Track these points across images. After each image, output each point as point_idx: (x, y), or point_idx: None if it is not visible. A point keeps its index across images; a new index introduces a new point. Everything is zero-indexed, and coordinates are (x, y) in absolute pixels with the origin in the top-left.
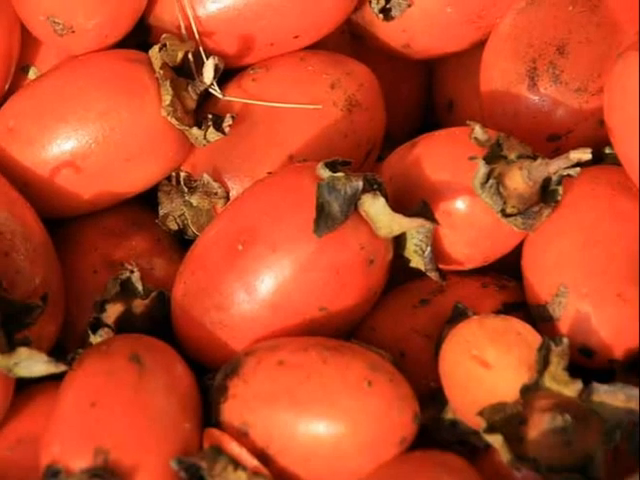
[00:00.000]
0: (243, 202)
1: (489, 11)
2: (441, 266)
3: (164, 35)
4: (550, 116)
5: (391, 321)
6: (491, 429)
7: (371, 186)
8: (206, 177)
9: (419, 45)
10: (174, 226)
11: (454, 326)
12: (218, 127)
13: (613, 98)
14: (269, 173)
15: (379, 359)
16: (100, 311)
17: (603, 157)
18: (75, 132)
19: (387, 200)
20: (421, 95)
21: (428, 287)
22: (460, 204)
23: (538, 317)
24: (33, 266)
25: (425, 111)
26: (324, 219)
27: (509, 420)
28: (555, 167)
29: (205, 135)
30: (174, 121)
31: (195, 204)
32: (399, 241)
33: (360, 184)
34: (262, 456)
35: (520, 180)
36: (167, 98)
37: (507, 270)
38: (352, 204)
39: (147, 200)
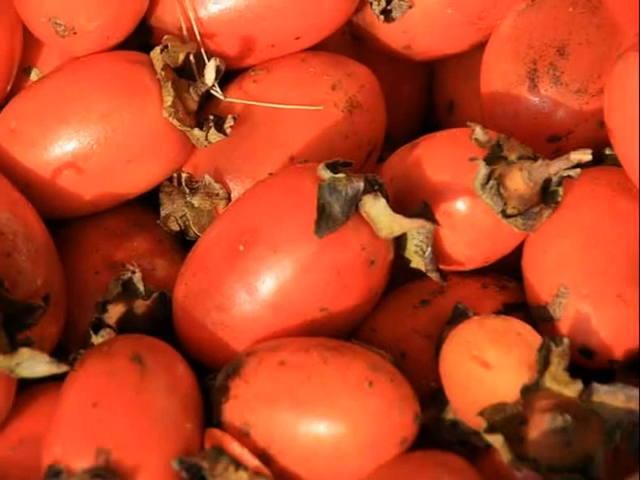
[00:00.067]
0: (244, 203)
1: (489, 12)
2: (441, 267)
3: (166, 36)
4: (550, 117)
5: (392, 321)
6: (491, 429)
7: (372, 187)
8: (207, 178)
9: (420, 46)
10: (175, 227)
11: (454, 326)
12: (219, 128)
13: (613, 99)
14: (270, 174)
15: (380, 359)
16: (102, 312)
17: (603, 158)
18: (77, 133)
19: (388, 201)
20: (422, 96)
21: (429, 288)
22: (461, 205)
23: (538, 317)
24: (35, 267)
25: (426, 112)
26: (325, 220)
27: (509, 420)
28: (555, 168)
29: (206, 136)
30: (175, 122)
31: (196, 205)
32: (400, 242)
33: (361, 185)
34: (263, 456)
35: (520, 181)
36: (168, 99)
37: (507, 271)
38: (353, 205)
39: (149, 201)
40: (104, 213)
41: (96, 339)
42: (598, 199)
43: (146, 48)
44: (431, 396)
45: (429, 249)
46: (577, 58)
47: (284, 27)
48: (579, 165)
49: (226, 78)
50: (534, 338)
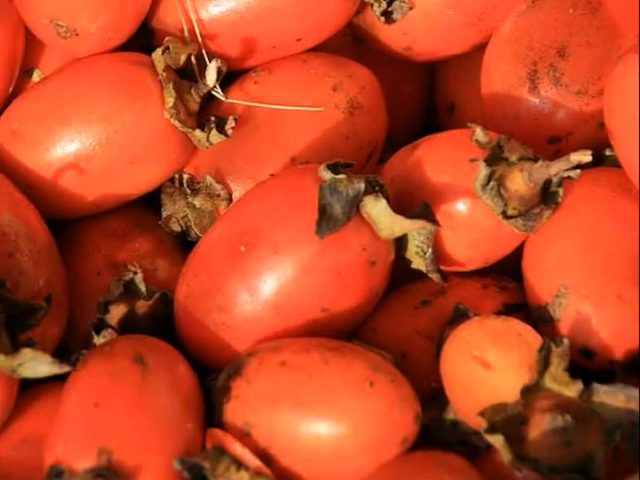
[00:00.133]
0: (246, 204)
1: (490, 14)
2: (442, 267)
3: (167, 38)
4: (551, 118)
5: (392, 322)
6: (492, 429)
7: (373, 188)
8: (209, 179)
9: (420, 48)
10: (177, 228)
11: (455, 327)
12: (221, 129)
13: (613, 100)
14: (271, 175)
15: (380, 360)
16: (103, 312)
17: (603, 159)
18: (79, 134)
19: (389, 202)
20: (422, 97)
21: (429, 288)
22: (461, 206)
23: (539, 318)
24: (37, 267)
25: (426, 113)
26: (326, 221)
27: (510, 420)
28: (556, 169)
29: (208, 137)
30: (177, 123)
31: (198, 206)
32: (400, 242)
33: (362, 186)
34: (264, 456)
35: (521, 182)
36: (170, 100)
37: (508, 271)
38: (354, 206)
39: (150, 202)
40: (106, 214)
41: (98, 339)
42: (598, 200)
43: (148, 49)
44: (432, 396)
45: (430, 250)
46: (577, 59)
47: (285, 28)
48: (579, 166)
49: (227, 79)
50: (534, 338)
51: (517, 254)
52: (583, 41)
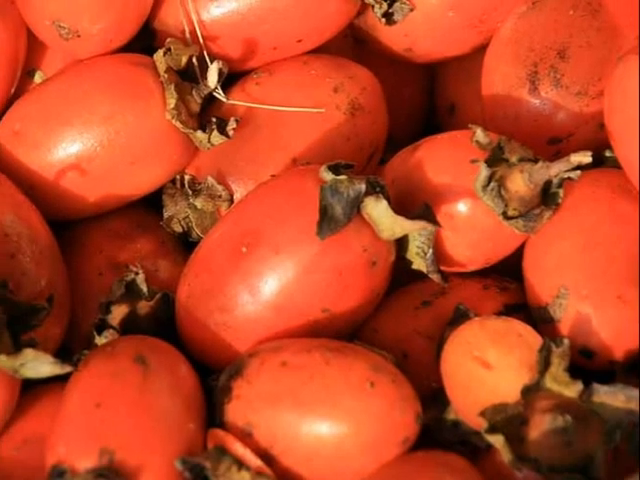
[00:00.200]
0: (247, 205)
1: (490, 15)
2: (443, 268)
3: (169, 39)
4: (551, 119)
5: (393, 322)
6: (492, 429)
7: (374, 189)
8: (210, 180)
9: (421, 49)
10: (178, 228)
11: (456, 327)
12: (222, 130)
13: (613, 101)
14: (272, 176)
15: (381, 360)
16: (105, 313)
17: (603, 160)
18: (80, 135)
19: (389, 203)
20: (423, 99)
21: (430, 289)
22: (462, 207)
23: (539, 318)
24: (39, 268)
25: (427, 114)
26: (327, 221)
27: (510, 420)
28: (556, 170)
29: (209, 138)
30: (178, 124)
31: (199, 207)
32: (401, 243)
33: (363, 187)
34: (266, 456)
35: (521, 183)
36: (171, 102)
37: (508, 272)
38: (355, 207)
39: (152, 203)
40: (108, 215)
41: (99, 340)
42: (598, 201)
43: (149, 51)
44: (432, 396)
45: (430, 250)
46: (577, 61)
47: (286, 30)
48: (579, 167)
49: (229, 81)
50: (535, 339)
51: (517, 255)
52: (583, 42)
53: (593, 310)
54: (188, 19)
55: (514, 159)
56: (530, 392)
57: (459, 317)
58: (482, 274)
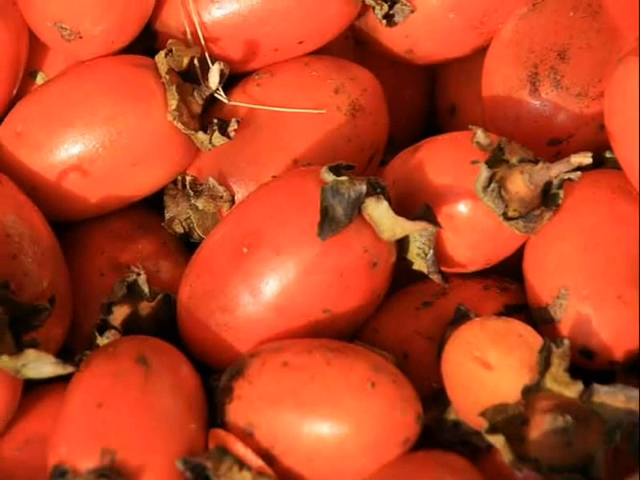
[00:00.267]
0: (248, 206)
1: (491, 17)
2: (443, 269)
3: (170, 41)
4: (551, 121)
5: (394, 323)
6: (493, 430)
7: (374, 190)
8: (211, 181)
9: (422, 50)
10: (180, 229)
11: (456, 328)
12: (223, 131)
13: (613, 103)
14: (274, 177)
15: (382, 360)
16: (107, 313)
17: (603, 161)
18: (82, 136)
19: (390, 204)
20: (424, 100)
21: (431, 289)
22: (462, 207)
23: (539, 319)
24: (41, 269)
25: (428, 116)
26: (328, 222)
27: (511, 421)
28: (556, 171)
29: (210, 139)
30: (180, 125)
31: (201, 207)
32: (402, 244)
33: (364, 188)
34: (267, 456)
35: (522, 184)
36: (173, 103)
37: (509, 273)
38: (356, 207)
39: (153, 204)
40: (109, 216)
41: (101, 340)
42: (598, 202)
43: (151, 52)
44: (433, 397)
45: (431, 251)
46: (578, 62)
47: (287, 31)
48: (579, 168)
49: (230, 82)
50: (535, 339)
51: (518, 255)
52: (584, 44)
53: (593, 311)
54: (189, 21)
55: (514, 160)
56: (530, 392)
57: (460, 318)
58: (482, 275)
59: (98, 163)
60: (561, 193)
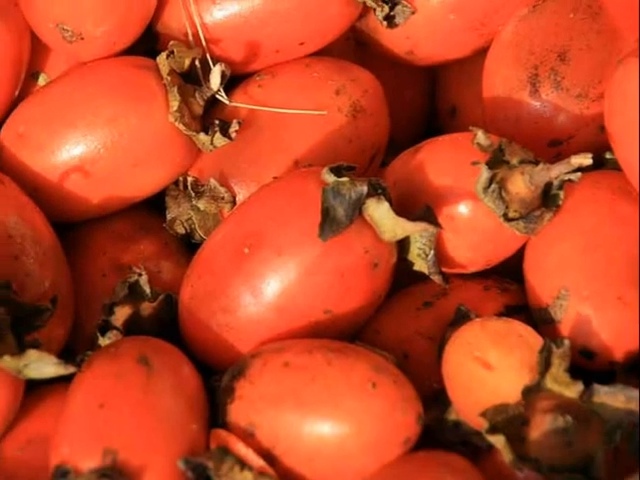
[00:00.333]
0: (249, 206)
1: (491, 18)
2: (444, 269)
3: (172, 42)
4: (551, 122)
5: (395, 323)
6: (493, 430)
7: (375, 191)
8: (213, 182)
9: (422, 52)
10: (181, 230)
11: (457, 328)
12: (225, 133)
13: (613, 104)
14: (275, 178)
15: (383, 361)
16: (109, 314)
17: (604, 162)
18: (84, 137)
19: (391, 204)
20: (424, 101)
21: (431, 290)
22: (463, 208)
23: (539, 319)
24: (43, 269)
25: (428, 117)
26: (329, 223)
27: (511, 421)
28: (556, 172)
29: (212, 140)
30: (181, 127)
31: (202, 208)
32: (403, 245)
33: (364, 189)
34: (268, 456)
35: (522, 185)
36: (174, 104)
37: (509, 273)
38: (357, 208)
39: (155, 204)
40: (111, 216)
41: (103, 341)
42: (598, 203)
43: (152, 53)
44: (434, 397)
45: (432, 252)
46: (578, 63)
47: (288, 33)
48: (580, 169)
49: (231, 83)
50: (535, 340)
51: (518, 256)
52: (584, 45)
53: (593, 311)
54: (191, 22)
55: (515, 161)
56: (531, 392)
57: (460, 318)
58: (483, 275)
59: (100, 164)
60: (561, 194)
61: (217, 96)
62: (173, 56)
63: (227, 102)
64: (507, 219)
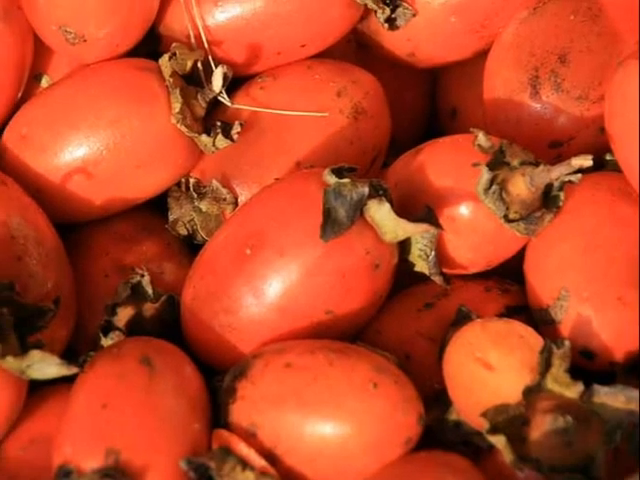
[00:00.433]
0: (251, 208)
1: (492, 21)
2: (445, 270)
3: (174, 44)
4: (552, 123)
5: (396, 324)
6: (494, 430)
7: (377, 192)
8: (215, 183)
9: (423, 54)
10: (184, 231)
11: (458, 329)
12: (227, 134)
13: (613, 106)
14: (277, 179)
15: (384, 361)
16: (111, 314)
17: (604, 164)
18: (86, 139)
19: (392, 206)
20: (425, 103)
21: (432, 291)
22: (464, 210)
23: (540, 320)
24: (45, 270)
25: (429, 118)
26: (330, 224)
27: (512, 421)
28: (557, 173)
29: (214, 142)
30: (183, 128)
31: (204, 210)
32: (404, 246)
33: (366, 190)
34: (270, 456)
35: (523, 186)
36: (177, 106)
37: (510, 274)
38: (358, 209)
39: (157, 206)
40: (113, 217)
41: (105, 341)
42: (599, 204)
43: (155, 56)
44: (435, 397)
45: (433, 253)
46: (578, 65)
47: (290, 35)
48: (580, 170)
49: (233, 85)
50: (536, 340)
51: (519, 257)
52: (584, 47)
53: (594, 312)
54: (193, 24)
55: (515, 163)
56: (531, 393)
57: (461, 319)
58: (484, 276)
59: (102, 165)
60: (562, 195)
61: (219, 98)
62: (175, 58)
63: (229, 104)
64: (508, 220)
